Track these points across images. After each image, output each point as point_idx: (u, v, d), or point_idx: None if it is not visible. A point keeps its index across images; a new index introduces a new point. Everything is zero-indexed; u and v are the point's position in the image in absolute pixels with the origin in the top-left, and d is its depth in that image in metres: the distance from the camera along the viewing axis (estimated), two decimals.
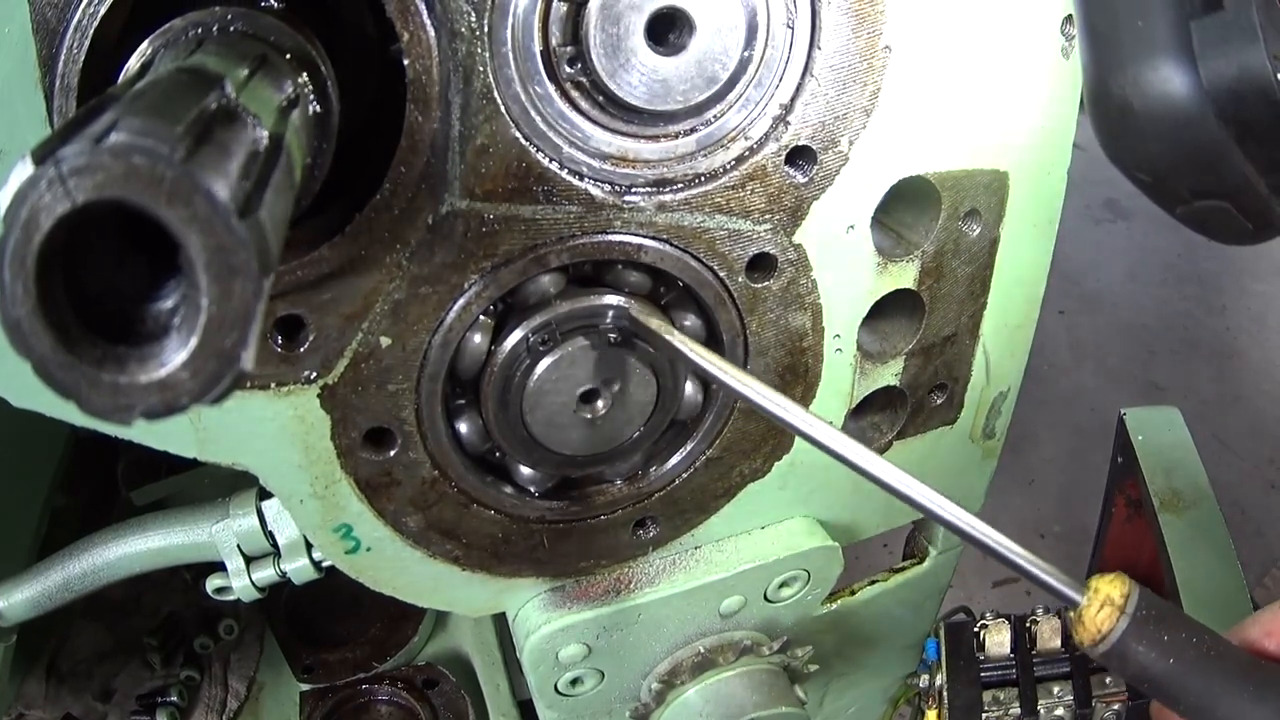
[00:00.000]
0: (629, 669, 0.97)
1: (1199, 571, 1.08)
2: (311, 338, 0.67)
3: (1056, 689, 1.12)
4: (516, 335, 0.71)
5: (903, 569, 1.20)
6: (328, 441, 0.73)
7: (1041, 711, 1.11)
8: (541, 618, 0.89)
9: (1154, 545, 1.23)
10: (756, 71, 0.66)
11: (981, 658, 1.19)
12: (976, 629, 1.23)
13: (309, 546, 0.96)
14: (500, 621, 1.65)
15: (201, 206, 0.31)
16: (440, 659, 1.59)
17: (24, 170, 0.32)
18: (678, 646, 0.97)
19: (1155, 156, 0.43)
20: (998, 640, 1.20)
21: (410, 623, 1.59)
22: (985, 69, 0.75)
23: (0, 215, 0.31)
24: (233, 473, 1.88)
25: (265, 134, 0.41)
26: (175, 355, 0.34)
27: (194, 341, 0.33)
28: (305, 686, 1.56)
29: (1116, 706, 1.10)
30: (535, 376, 0.72)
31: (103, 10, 0.54)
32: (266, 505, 0.96)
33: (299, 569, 0.96)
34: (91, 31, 0.55)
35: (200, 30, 0.51)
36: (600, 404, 0.76)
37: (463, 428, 0.76)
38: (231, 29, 0.52)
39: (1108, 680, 1.11)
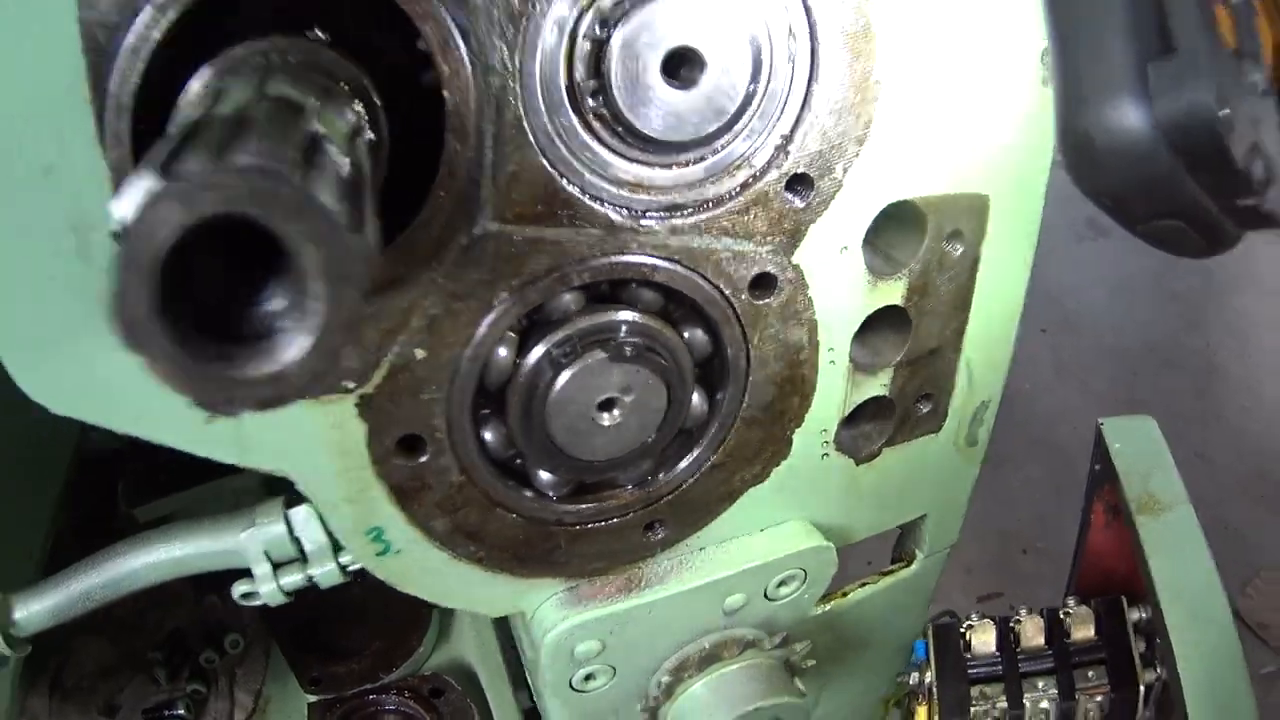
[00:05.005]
0: (639, 665, 1.02)
1: (1175, 570, 1.14)
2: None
3: (1041, 683, 1.19)
4: (540, 349, 0.77)
5: (891, 572, 1.26)
6: (363, 449, 0.79)
7: (1027, 704, 1.17)
8: (558, 615, 0.95)
9: (1127, 549, 1.30)
10: (760, 104, 0.73)
11: (969, 656, 1.25)
12: (963, 629, 1.29)
13: (336, 551, 1.00)
14: (503, 632, 1.70)
15: (321, 223, 0.37)
16: (445, 669, 1.63)
17: (147, 182, 0.37)
18: (685, 642, 1.03)
19: (1116, 184, 0.49)
20: (983, 639, 1.26)
21: (415, 634, 1.64)
22: (969, 97, 0.82)
23: (123, 222, 0.37)
24: (238, 488, 1.92)
25: (346, 161, 0.46)
26: (288, 353, 0.39)
27: (309, 342, 0.39)
28: (312, 698, 1.60)
29: (1099, 698, 1.16)
30: (557, 387, 0.78)
31: (158, 35, 0.59)
32: (294, 513, 1.00)
33: (326, 573, 1.00)
34: (148, 54, 0.59)
35: (264, 60, 0.57)
36: (617, 411, 0.82)
37: (488, 435, 0.82)
38: (291, 59, 0.58)
39: (1090, 674, 1.17)
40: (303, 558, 1.02)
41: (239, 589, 1.07)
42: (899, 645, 1.35)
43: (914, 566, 1.25)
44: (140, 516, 1.83)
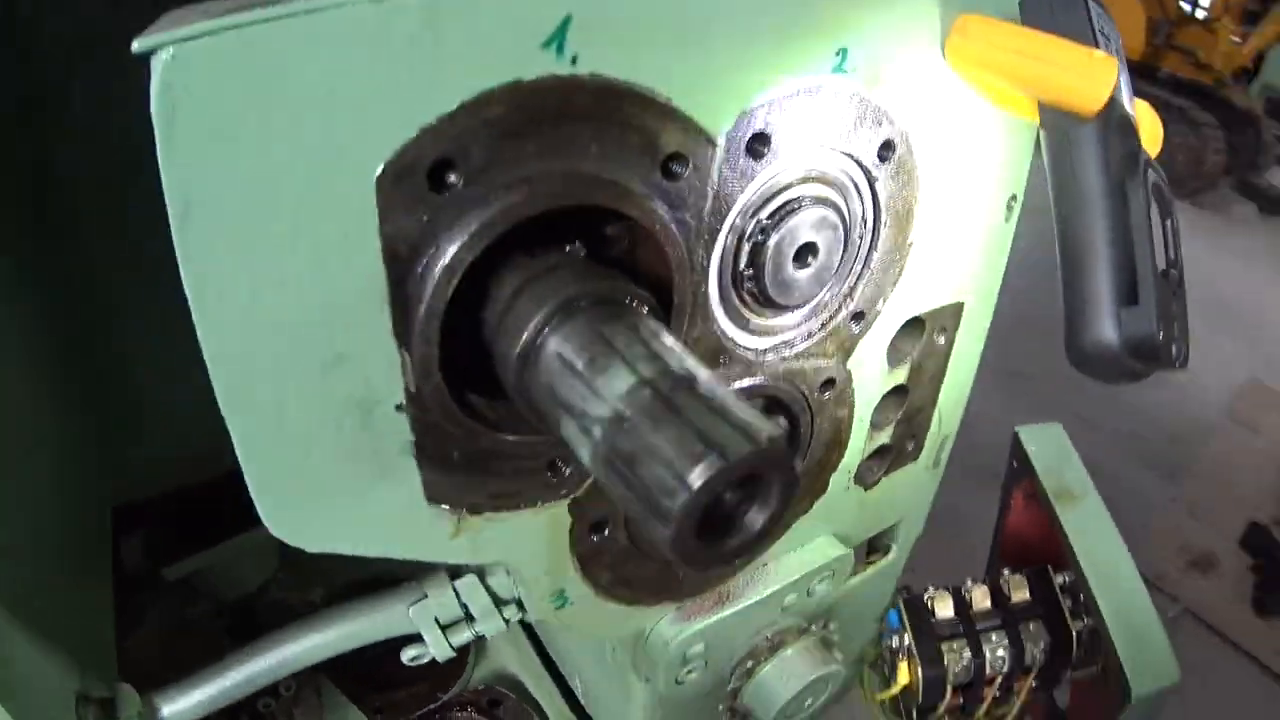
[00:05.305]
0: (724, 656, 1.34)
1: (1091, 545, 1.52)
2: (569, 470, 0.99)
3: (994, 636, 1.56)
4: None
5: (873, 562, 1.63)
6: (565, 536, 1.05)
7: (987, 653, 1.55)
8: (675, 630, 1.26)
9: (1046, 526, 1.70)
10: (840, 269, 1.04)
11: (934, 620, 1.63)
12: (926, 600, 1.66)
13: (499, 608, 1.20)
14: (536, 642, 1.98)
15: (790, 468, 0.67)
16: (492, 681, 1.89)
17: (713, 465, 0.62)
18: (755, 635, 1.36)
19: (1098, 371, 0.84)
20: (943, 606, 1.63)
21: (462, 653, 1.88)
22: (961, 241, 1.15)
23: (692, 486, 0.62)
24: (257, 543, 2.07)
25: None
26: (752, 530, 0.69)
27: (764, 522, 0.69)
28: None
29: (1042, 644, 1.56)
30: None
31: (470, 259, 0.72)
32: (460, 583, 1.18)
33: (493, 626, 1.20)
34: (461, 273, 0.73)
35: (612, 307, 0.76)
36: None
37: None
38: (617, 295, 0.77)
39: (1031, 627, 1.57)
40: (468, 618, 1.20)
41: (409, 654, 1.22)
42: (875, 616, 1.73)
43: (890, 556, 1.61)
44: (169, 575, 1.99)
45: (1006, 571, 1.64)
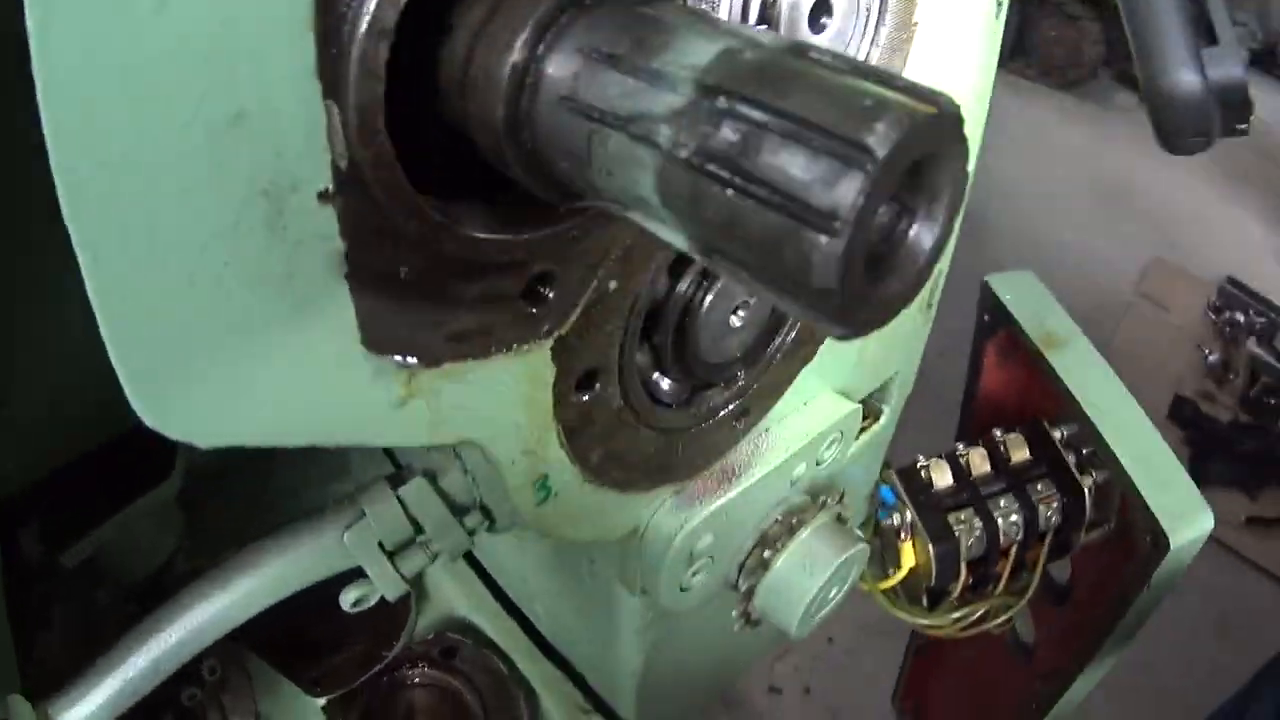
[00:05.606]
0: (731, 549, 1.15)
1: (1092, 389, 1.38)
2: (553, 294, 0.76)
3: (1003, 502, 1.41)
4: (694, 269, 0.88)
5: (866, 428, 1.45)
6: (548, 393, 0.83)
7: (999, 520, 1.40)
8: (678, 519, 1.05)
9: (1025, 380, 1.56)
10: (850, 41, 0.87)
11: (934, 491, 1.46)
12: (919, 470, 1.49)
13: (459, 518, 0.99)
14: (484, 573, 1.74)
15: (965, 152, 0.47)
16: (441, 627, 1.64)
17: (898, 123, 0.42)
18: (762, 519, 1.17)
19: (1178, 121, 0.83)
20: (941, 475, 1.47)
21: (400, 601, 1.63)
22: (958, 31, 1.01)
23: (877, 155, 0.41)
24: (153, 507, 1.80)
25: None
26: (922, 252, 0.50)
27: (935, 237, 0.50)
28: (322, 700, 1.57)
29: (1055, 504, 1.41)
30: (708, 301, 0.89)
31: None
32: (405, 490, 0.96)
33: (453, 543, 0.98)
34: None
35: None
36: (742, 312, 0.93)
37: (639, 357, 0.91)
38: None
39: (1039, 487, 1.42)
40: (419, 536, 0.98)
41: (349, 597, 0.99)
42: (866, 495, 1.56)
43: (881, 421, 1.43)
44: (67, 561, 1.72)
45: (998, 431, 1.49)
